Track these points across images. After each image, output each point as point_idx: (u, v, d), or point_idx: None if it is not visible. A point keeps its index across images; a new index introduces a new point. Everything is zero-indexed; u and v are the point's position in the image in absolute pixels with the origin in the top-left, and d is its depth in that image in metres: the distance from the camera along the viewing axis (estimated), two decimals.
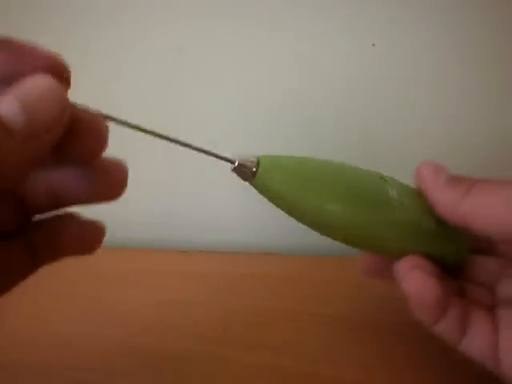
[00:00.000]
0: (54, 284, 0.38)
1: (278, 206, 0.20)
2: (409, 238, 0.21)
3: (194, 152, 0.19)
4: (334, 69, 0.39)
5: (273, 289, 0.35)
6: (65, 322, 0.33)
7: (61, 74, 0.16)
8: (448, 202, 0.19)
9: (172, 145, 0.18)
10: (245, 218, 0.45)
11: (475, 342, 0.20)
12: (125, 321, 0.32)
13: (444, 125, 0.37)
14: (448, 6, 0.35)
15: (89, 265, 0.42)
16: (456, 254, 0.22)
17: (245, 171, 0.19)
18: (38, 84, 0.15)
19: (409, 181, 0.23)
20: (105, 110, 0.17)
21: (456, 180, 0.20)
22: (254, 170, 0.19)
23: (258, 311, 0.32)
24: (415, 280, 0.20)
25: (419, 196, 0.21)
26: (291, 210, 0.20)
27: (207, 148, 0.19)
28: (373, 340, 0.28)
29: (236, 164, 0.19)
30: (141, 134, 0.18)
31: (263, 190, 0.19)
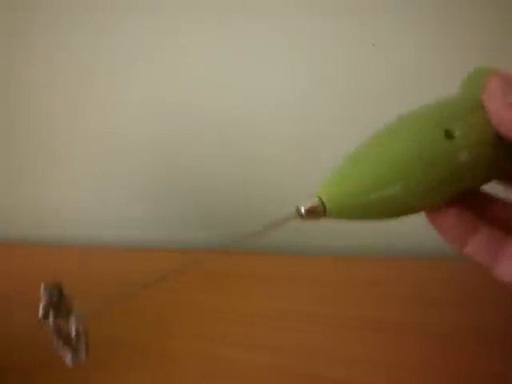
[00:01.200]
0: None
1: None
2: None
3: None
4: (333, 68, 0.39)
5: (273, 289, 0.35)
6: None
7: None
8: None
9: None
10: (247, 219, 0.45)
11: (508, 267, 0.20)
12: (125, 320, 0.32)
13: None
14: (448, 7, 0.35)
15: (89, 265, 0.42)
16: None
17: (314, 215, 0.19)
18: None
19: None
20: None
21: None
22: (322, 210, 0.19)
23: (258, 311, 0.32)
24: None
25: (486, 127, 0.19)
26: (366, 219, 0.20)
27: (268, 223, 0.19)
28: (373, 340, 0.28)
29: (303, 214, 0.19)
30: None
31: (339, 219, 0.19)
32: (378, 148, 0.19)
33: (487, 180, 0.20)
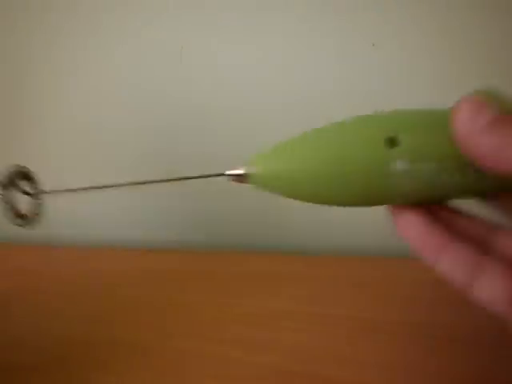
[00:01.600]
0: (55, 284, 0.38)
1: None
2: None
3: None
4: (333, 68, 0.39)
5: (273, 289, 0.35)
6: (65, 322, 0.33)
7: None
8: (492, 148, 0.16)
9: None
10: (247, 219, 0.45)
11: (486, 287, 0.19)
12: (125, 320, 0.32)
13: None
14: (448, 7, 0.35)
15: (89, 265, 0.42)
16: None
17: (237, 179, 0.20)
18: None
19: None
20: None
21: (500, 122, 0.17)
22: (246, 178, 0.20)
23: (258, 311, 0.32)
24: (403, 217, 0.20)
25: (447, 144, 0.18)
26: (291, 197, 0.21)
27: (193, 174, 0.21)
28: (373, 340, 0.28)
29: (226, 176, 0.20)
30: None
31: (262, 189, 0.20)
32: (312, 138, 0.20)
33: (447, 198, 0.20)
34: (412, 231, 0.20)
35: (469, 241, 0.20)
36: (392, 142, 0.18)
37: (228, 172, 0.20)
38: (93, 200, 0.49)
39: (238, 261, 0.41)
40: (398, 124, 0.19)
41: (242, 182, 0.20)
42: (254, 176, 0.20)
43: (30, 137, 0.50)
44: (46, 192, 0.25)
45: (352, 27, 0.37)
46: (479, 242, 0.20)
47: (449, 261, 0.19)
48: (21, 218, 0.24)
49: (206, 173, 0.22)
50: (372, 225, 0.42)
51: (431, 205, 0.20)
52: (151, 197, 0.47)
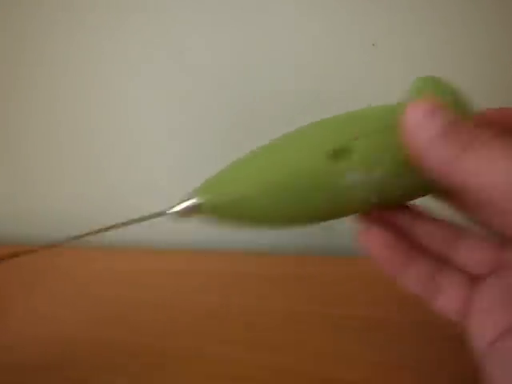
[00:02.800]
0: (55, 284, 0.38)
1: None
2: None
3: None
4: (333, 69, 0.39)
5: (273, 289, 0.35)
6: (65, 322, 0.33)
7: None
8: (444, 160, 0.15)
9: None
10: None
11: (443, 300, 0.20)
12: (125, 320, 0.32)
13: None
14: (449, 7, 0.35)
15: (89, 265, 0.42)
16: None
17: (188, 211, 0.19)
18: None
19: None
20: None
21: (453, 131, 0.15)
22: (197, 206, 0.18)
23: (259, 311, 0.32)
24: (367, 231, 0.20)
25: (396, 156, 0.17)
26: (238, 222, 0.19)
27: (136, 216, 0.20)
28: (374, 340, 0.28)
29: (172, 213, 0.19)
30: None
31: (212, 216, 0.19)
32: (258, 157, 0.19)
33: (397, 201, 0.20)
34: (375, 248, 0.19)
35: (429, 255, 0.20)
36: (339, 154, 0.17)
37: (176, 208, 0.19)
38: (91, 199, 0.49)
39: (239, 261, 0.41)
40: (347, 132, 0.17)
41: (189, 215, 0.19)
42: (205, 205, 0.18)
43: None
44: None
45: (352, 27, 0.37)
46: (440, 252, 0.21)
47: (410, 277, 0.20)
48: None
49: None
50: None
51: (392, 209, 0.21)
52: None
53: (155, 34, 0.42)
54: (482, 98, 0.36)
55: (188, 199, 0.18)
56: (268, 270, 0.38)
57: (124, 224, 0.20)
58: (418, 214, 0.21)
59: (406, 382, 0.24)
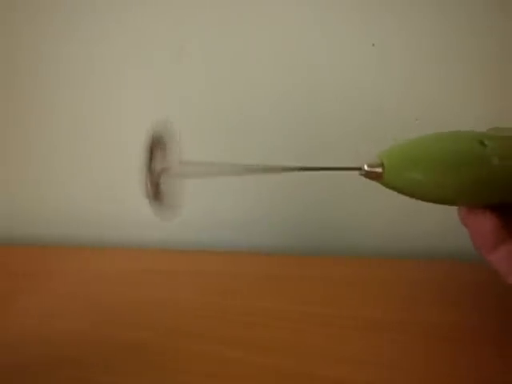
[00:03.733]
0: (55, 284, 0.38)
1: (403, 194, 0.23)
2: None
3: None
4: (333, 69, 0.39)
5: (273, 289, 0.35)
6: (65, 322, 0.33)
7: None
8: None
9: None
10: (247, 219, 0.45)
11: None
12: (125, 320, 0.32)
13: (443, 125, 0.37)
14: (449, 6, 0.35)
15: (89, 265, 0.42)
16: None
17: (372, 175, 0.22)
18: None
19: None
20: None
21: None
22: (381, 171, 0.22)
23: (258, 311, 0.32)
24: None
25: None
26: (415, 195, 0.23)
27: (329, 165, 0.23)
28: (374, 340, 0.28)
29: (363, 171, 0.22)
30: None
31: (391, 186, 0.22)
32: (427, 143, 0.23)
33: None
34: (480, 225, 0.22)
35: None
36: (482, 144, 0.22)
37: (366, 168, 0.22)
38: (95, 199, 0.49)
39: (239, 261, 0.41)
40: (479, 134, 0.23)
41: (373, 178, 0.22)
42: (389, 172, 0.21)
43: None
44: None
45: (352, 27, 0.37)
46: None
47: (501, 253, 0.21)
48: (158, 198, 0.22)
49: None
50: (371, 225, 0.42)
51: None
52: None
53: (155, 34, 0.42)
54: (482, 98, 0.37)
55: (377, 165, 0.22)
56: (268, 270, 0.38)
57: (312, 169, 0.23)
58: None
59: (406, 382, 0.24)
